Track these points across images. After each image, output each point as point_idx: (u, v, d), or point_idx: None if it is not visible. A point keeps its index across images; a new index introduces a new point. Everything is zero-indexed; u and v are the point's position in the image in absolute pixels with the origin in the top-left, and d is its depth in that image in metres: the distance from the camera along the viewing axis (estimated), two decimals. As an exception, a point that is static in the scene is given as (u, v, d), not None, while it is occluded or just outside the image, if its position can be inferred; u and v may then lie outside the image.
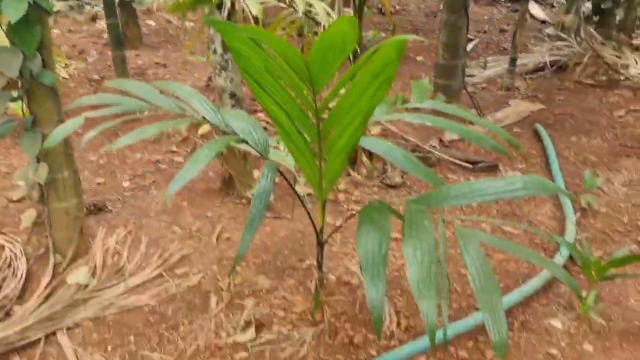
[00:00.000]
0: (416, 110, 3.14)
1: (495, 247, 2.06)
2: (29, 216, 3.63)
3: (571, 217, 3.94)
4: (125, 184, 4.50)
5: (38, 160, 3.16)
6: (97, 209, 4.09)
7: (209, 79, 6.67)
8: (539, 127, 5.57)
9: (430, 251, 1.78)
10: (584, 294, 3.20)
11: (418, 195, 2.29)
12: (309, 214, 2.71)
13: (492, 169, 4.73)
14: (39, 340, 2.89)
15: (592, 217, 4.13)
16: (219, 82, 3.97)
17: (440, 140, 5.35)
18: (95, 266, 3.46)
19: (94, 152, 4.97)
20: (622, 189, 4.52)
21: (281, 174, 2.69)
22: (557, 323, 3.14)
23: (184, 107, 2.51)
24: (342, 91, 2.07)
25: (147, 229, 3.91)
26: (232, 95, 4.00)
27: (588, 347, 2.98)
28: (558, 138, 5.48)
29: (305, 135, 2.25)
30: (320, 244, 2.65)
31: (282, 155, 2.92)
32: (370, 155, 4.95)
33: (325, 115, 2.14)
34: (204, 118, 2.40)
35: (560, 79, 7.15)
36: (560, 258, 3.52)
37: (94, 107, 2.49)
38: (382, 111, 2.54)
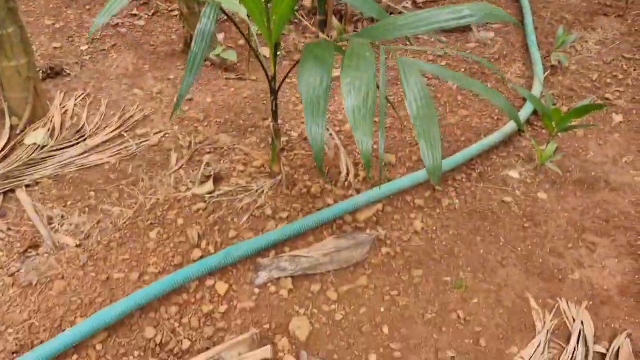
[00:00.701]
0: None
1: (438, 76, 2.00)
2: (-21, 77, 3.51)
3: (539, 73, 3.88)
4: (84, 47, 4.33)
5: (-21, 14, 2.99)
6: (55, 73, 3.96)
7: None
8: (518, -13, 5.33)
9: (369, 81, 1.73)
10: (544, 147, 3.22)
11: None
12: (262, 65, 2.62)
13: (464, 28, 4.58)
14: (-3, 196, 2.89)
15: (561, 75, 4.07)
16: None
17: (414, 1, 5.14)
18: (53, 127, 3.41)
19: (50, 16, 4.73)
20: (595, 47, 4.42)
21: (243, 35, 2.58)
22: (514, 174, 3.18)
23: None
24: None
25: (107, 91, 3.82)
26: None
27: (542, 195, 3.04)
28: (536, -2, 5.28)
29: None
30: (273, 92, 2.59)
31: (235, 3, 2.77)
32: (340, 18, 4.76)
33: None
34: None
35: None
36: (524, 112, 3.50)
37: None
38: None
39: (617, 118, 3.69)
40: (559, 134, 3.50)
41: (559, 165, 3.21)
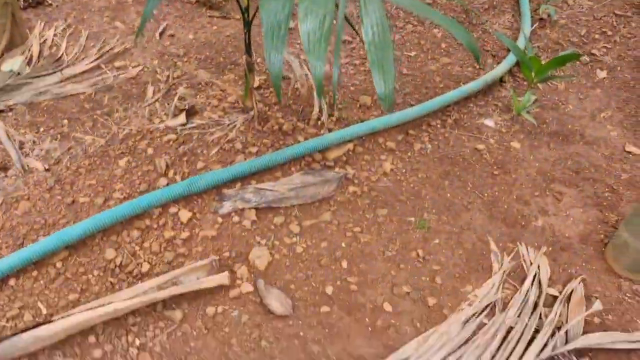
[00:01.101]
0: None
1: (399, 3, 1.97)
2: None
3: (526, 25, 3.83)
4: (68, -22, 4.25)
5: None
6: (36, 2, 3.91)
7: None
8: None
9: (327, 5, 1.71)
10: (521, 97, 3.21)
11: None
12: (238, -5, 2.58)
13: (456, -23, 4.49)
14: (-30, 119, 2.89)
15: (549, 28, 4.02)
16: None
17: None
18: (31, 56, 3.39)
19: (36, -55, 4.63)
20: (588, 3, 4.35)
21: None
22: (490, 123, 3.17)
23: None
24: None
25: (88, 23, 3.77)
26: None
27: (516, 144, 3.05)
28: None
29: None
30: (247, 24, 2.56)
31: None
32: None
33: None
34: None
35: None
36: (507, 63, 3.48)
37: None
38: None
39: (602, 74, 3.66)
40: (540, 86, 3.48)
41: (536, 116, 3.21)
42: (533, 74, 3.12)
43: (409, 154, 2.91)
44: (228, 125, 2.87)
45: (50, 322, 1.97)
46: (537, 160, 2.96)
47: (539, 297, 2.30)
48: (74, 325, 1.97)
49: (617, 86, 3.56)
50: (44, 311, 2.07)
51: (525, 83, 3.48)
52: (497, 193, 2.76)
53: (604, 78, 3.63)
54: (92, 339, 2.01)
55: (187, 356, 2.02)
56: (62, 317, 1.99)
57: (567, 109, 3.35)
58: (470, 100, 3.30)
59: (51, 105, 3.04)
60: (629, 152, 3.06)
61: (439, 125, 3.10)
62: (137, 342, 2.03)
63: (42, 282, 2.15)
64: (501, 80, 3.45)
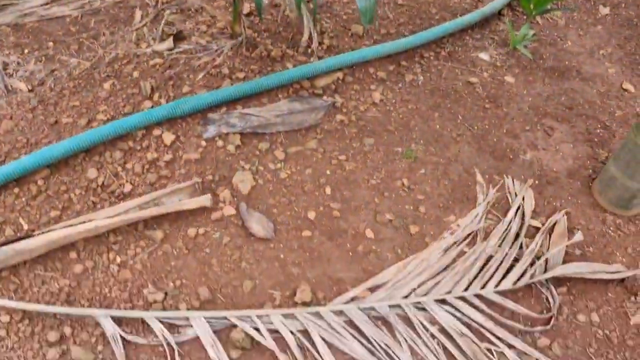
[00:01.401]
0: None
1: None
2: None
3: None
4: None
5: None
6: None
7: None
8: None
9: None
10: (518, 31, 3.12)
11: None
12: None
13: None
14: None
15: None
16: None
17: None
18: (16, -23, 3.28)
19: None
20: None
21: None
22: (485, 56, 3.11)
23: None
24: None
25: (77, -55, 3.64)
26: None
27: (510, 79, 2.99)
28: None
29: None
30: (233, -58, 2.46)
31: None
32: None
33: None
34: None
35: None
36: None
37: None
38: None
39: (604, 10, 3.56)
40: (539, 21, 3.39)
41: (533, 51, 3.14)
42: (532, 5, 3.03)
43: (400, 84, 2.86)
44: (216, 50, 2.81)
45: (30, 236, 1.97)
46: (531, 95, 2.91)
47: (521, 228, 2.30)
48: (54, 240, 1.98)
49: (619, 23, 3.47)
50: (25, 227, 2.08)
51: (524, 18, 3.39)
52: (487, 126, 2.73)
53: (607, 15, 3.54)
54: (73, 255, 2.02)
55: (168, 275, 2.04)
56: (43, 233, 2.00)
57: (566, 44, 3.28)
58: (467, 32, 3.22)
59: (36, 27, 2.97)
60: (625, 90, 3.00)
61: (432, 57, 3.04)
62: (118, 259, 2.04)
63: (23, 199, 2.15)
64: (499, 14, 3.35)
